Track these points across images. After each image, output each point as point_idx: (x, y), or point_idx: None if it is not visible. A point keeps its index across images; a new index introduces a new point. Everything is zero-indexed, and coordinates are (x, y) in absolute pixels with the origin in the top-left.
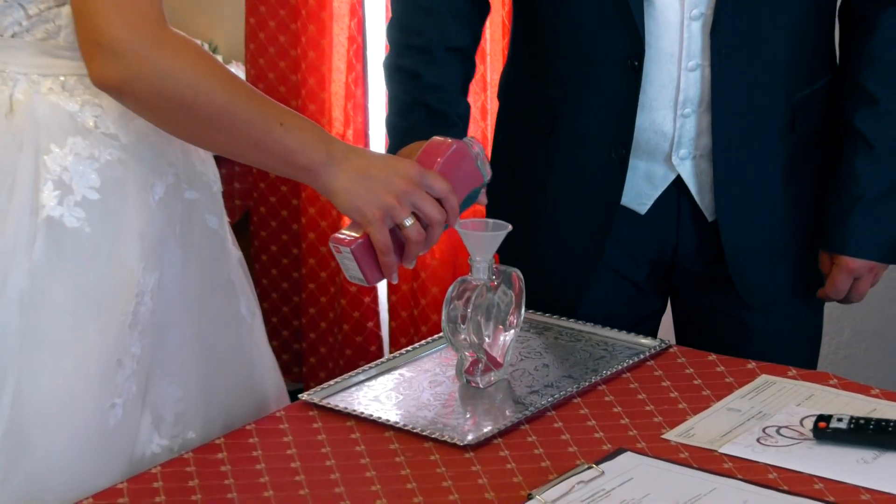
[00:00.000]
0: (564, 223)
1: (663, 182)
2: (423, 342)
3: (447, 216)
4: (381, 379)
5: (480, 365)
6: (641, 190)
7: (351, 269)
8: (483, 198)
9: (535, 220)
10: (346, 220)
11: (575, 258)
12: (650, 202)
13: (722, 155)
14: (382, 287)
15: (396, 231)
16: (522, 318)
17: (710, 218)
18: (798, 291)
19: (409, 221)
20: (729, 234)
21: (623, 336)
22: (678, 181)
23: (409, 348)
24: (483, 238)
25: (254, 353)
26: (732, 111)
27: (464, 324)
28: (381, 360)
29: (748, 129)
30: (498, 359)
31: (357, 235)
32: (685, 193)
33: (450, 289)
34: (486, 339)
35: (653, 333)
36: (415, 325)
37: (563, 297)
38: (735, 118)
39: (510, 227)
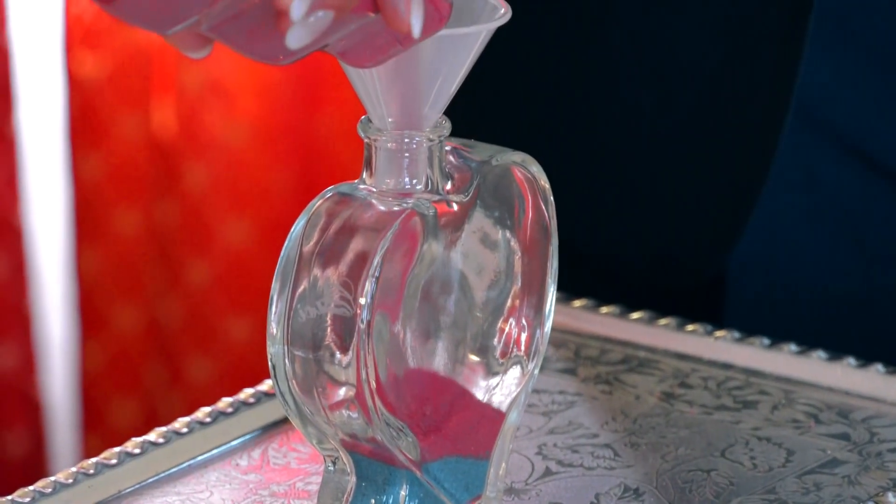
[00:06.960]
0: None
1: None
2: (198, 416)
3: None
4: None
5: (403, 493)
6: None
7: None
8: None
9: None
10: None
11: None
12: None
13: None
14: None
15: None
16: (550, 327)
17: None
18: None
19: None
20: None
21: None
22: None
23: (147, 440)
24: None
25: None
26: None
27: (346, 354)
28: (41, 485)
29: None
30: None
31: None
32: None
33: (297, 224)
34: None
35: None
36: (170, 362)
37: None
38: None
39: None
